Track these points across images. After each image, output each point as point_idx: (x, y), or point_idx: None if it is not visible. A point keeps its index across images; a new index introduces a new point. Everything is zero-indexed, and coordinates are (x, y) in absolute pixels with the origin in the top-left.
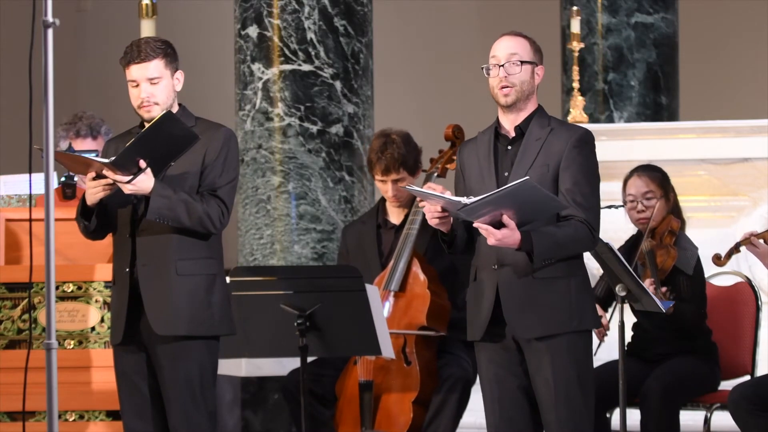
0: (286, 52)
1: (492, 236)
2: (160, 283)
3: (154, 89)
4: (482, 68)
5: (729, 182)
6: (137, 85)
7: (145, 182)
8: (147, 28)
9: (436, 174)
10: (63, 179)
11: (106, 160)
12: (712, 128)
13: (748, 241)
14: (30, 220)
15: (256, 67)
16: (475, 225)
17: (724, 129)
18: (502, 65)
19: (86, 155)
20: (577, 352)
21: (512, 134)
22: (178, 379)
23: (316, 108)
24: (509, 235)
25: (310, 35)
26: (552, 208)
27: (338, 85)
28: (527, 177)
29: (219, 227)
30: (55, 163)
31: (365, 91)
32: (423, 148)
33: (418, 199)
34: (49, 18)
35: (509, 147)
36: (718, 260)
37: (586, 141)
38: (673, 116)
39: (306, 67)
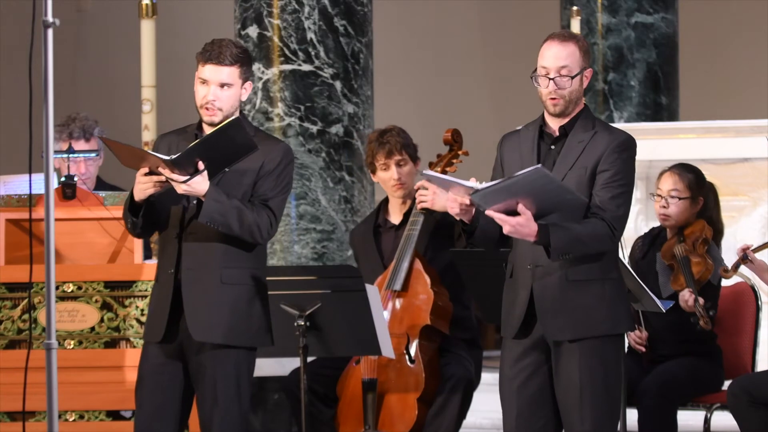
0: (286, 52)
1: (506, 224)
2: (203, 289)
3: (221, 94)
4: (531, 77)
5: (729, 182)
6: (206, 85)
7: (200, 184)
8: (147, 28)
9: None
10: (63, 179)
11: (166, 158)
12: (712, 128)
13: (748, 260)
14: (30, 220)
15: (256, 67)
16: (487, 213)
17: (724, 129)
18: (552, 78)
19: (85, 155)
20: (607, 356)
21: (557, 133)
22: (215, 378)
23: (316, 108)
24: (524, 224)
25: (310, 35)
26: (569, 201)
27: (338, 85)
28: (539, 165)
29: (266, 237)
30: (55, 163)
31: (365, 91)
32: (422, 148)
33: (417, 204)
34: (49, 18)
35: (552, 146)
36: (725, 272)
37: (627, 147)
38: (673, 116)
39: (306, 67)
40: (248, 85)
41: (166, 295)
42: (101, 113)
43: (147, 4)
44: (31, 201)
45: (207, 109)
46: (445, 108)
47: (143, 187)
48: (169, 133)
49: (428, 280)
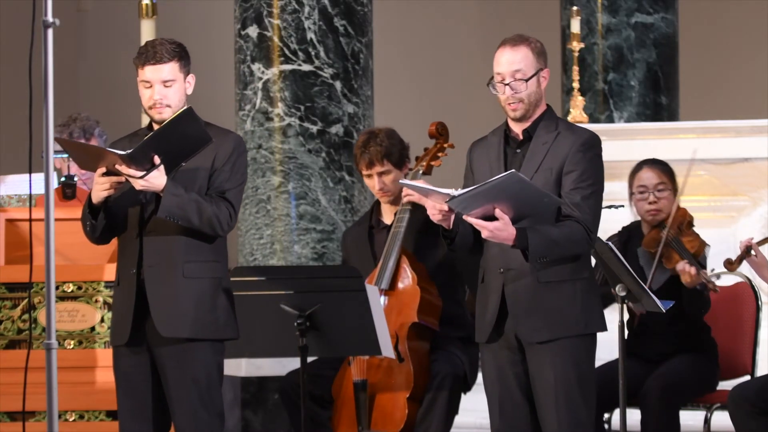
0: (286, 52)
1: (484, 228)
2: (167, 285)
3: (167, 91)
4: (487, 85)
5: (729, 182)
6: (150, 86)
7: (157, 179)
8: (147, 28)
9: (421, 171)
10: (63, 179)
11: (122, 152)
12: (712, 128)
13: (751, 254)
14: (30, 220)
15: (256, 67)
16: (465, 218)
17: (724, 129)
18: (507, 84)
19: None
20: (580, 355)
21: (521, 137)
22: (184, 380)
23: (316, 108)
24: (502, 228)
25: (310, 35)
26: (546, 204)
27: (338, 85)
28: (512, 170)
29: (227, 229)
30: (54, 163)
31: (365, 91)
32: (420, 148)
33: (403, 197)
34: (49, 18)
35: (518, 150)
36: (729, 265)
37: (592, 145)
38: (673, 116)
39: (306, 67)
40: (191, 78)
41: (129, 295)
42: (101, 113)
43: (147, 4)
44: (31, 201)
45: (156, 108)
46: (445, 108)
47: (102, 187)
48: (121, 138)
49: (415, 276)
